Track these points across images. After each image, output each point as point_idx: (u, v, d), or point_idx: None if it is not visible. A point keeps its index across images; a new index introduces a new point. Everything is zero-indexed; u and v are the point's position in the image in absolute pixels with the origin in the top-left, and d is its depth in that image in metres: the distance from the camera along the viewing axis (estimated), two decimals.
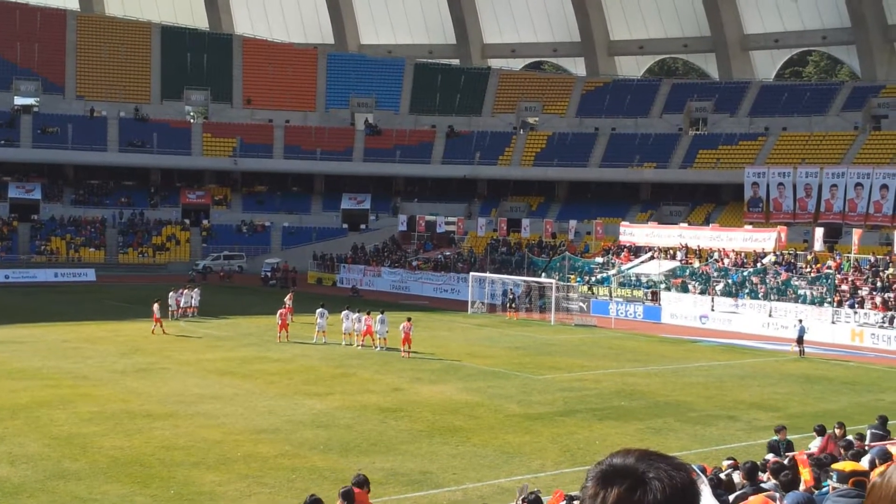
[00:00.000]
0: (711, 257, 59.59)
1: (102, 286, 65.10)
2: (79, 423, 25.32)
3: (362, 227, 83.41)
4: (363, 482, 14.12)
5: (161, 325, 43.55)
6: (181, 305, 49.30)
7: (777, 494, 11.61)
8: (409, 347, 39.12)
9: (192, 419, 26.18)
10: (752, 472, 12.40)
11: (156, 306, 43.99)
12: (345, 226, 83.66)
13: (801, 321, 44.66)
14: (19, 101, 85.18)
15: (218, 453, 22.54)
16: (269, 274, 71.11)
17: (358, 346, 40.83)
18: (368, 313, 41.36)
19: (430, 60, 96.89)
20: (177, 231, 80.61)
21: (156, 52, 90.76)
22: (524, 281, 59.58)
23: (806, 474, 11.84)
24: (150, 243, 78.74)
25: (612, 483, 2.34)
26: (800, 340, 42.11)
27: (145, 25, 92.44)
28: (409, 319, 40.06)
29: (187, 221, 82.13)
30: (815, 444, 17.01)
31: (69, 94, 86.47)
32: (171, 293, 49.39)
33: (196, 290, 51.46)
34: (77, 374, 32.84)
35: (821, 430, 17.97)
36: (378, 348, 40.35)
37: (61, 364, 34.97)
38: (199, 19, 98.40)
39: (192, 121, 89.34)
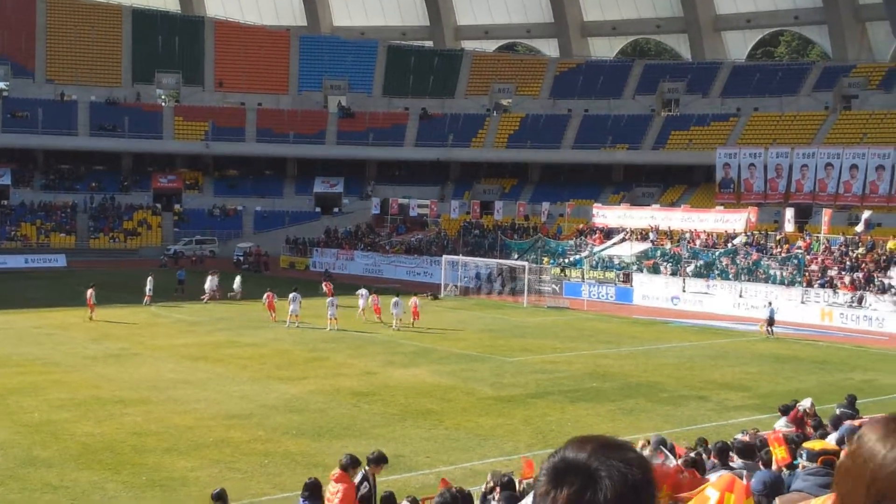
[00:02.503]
0: (683, 238, 59.90)
1: (73, 271, 64.66)
2: (49, 410, 25.19)
3: (335, 210, 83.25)
4: (348, 465, 13.45)
5: (92, 312, 42.71)
6: (209, 289, 50.78)
7: (744, 472, 11.74)
8: (417, 320, 42.63)
9: (164, 405, 26.12)
10: (722, 451, 12.51)
11: (90, 292, 43.18)
12: (318, 209, 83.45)
13: (770, 303, 44.99)
14: None
15: (190, 439, 22.50)
16: (241, 258, 70.88)
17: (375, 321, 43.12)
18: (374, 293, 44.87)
19: (403, 42, 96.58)
20: (148, 216, 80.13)
21: (126, 35, 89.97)
22: (497, 263, 59.69)
23: (781, 452, 11.95)
24: (121, 228, 78.25)
25: (563, 482, 2.25)
26: (770, 322, 42.46)
27: (116, 8, 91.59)
28: (416, 295, 45.21)
29: (159, 206, 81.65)
30: (780, 424, 17.15)
31: (39, 78, 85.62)
32: (208, 277, 51.31)
33: (216, 275, 52.49)
34: (48, 361, 32.66)
35: (785, 410, 18.11)
36: (395, 328, 41.70)
37: (32, 350, 34.76)
38: (170, 2, 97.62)
39: (163, 104, 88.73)
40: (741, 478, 10.07)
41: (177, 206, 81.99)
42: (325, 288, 48.31)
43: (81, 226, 77.75)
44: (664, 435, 22.76)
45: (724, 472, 10.71)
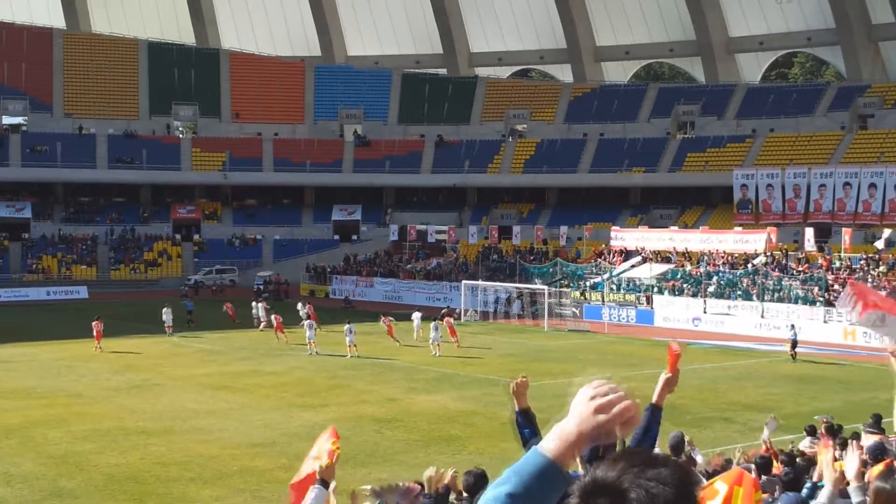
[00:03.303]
0: (703, 260, 59.74)
1: (95, 303, 64.93)
2: (74, 442, 25.28)
3: (354, 238, 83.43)
4: None
5: (99, 342, 43.29)
6: (261, 318, 51.03)
7: (752, 466, 11.76)
8: (458, 338, 43.93)
9: (188, 434, 26.16)
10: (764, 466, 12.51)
11: (96, 324, 43.66)
12: (336, 237, 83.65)
13: (792, 326, 44.14)
14: (7, 120, 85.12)
15: (214, 468, 22.53)
16: (261, 287, 71.04)
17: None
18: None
19: (417, 70, 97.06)
20: (168, 246, 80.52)
21: (143, 68, 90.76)
22: (516, 288, 59.66)
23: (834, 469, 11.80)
24: (141, 259, 78.64)
25: (592, 502, 2.24)
26: (794, 345, 41.83)
27: (132, 42, 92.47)
28: (450, 316, 46.67)
29: (178, 236, 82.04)
30: (805, 444, 17.03)
31: (57, 113, 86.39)
32: (259, 305, 52.31)
33: (263, 302, 53.56)
34: (71, 393, 32.79)
35: (811, 430, 17.98)
36: (435, 353, 41.36)
37: (55, 383, 34.90)
38: (185, 34, 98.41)
39: (180, 136, 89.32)
40: (749, 471, 9.94)
41: (196, 237, 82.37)
42: (307, 310, 48.79)
43: (102, 257, 78.18)
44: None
45: (734, 468, 10.64)
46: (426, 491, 7.77)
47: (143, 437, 25.74)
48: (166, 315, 48.77)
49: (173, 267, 78.80)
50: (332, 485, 6.84)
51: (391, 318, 46.34)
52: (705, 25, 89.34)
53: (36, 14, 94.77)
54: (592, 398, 2.48)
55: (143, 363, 39.84)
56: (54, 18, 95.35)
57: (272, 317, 47.21)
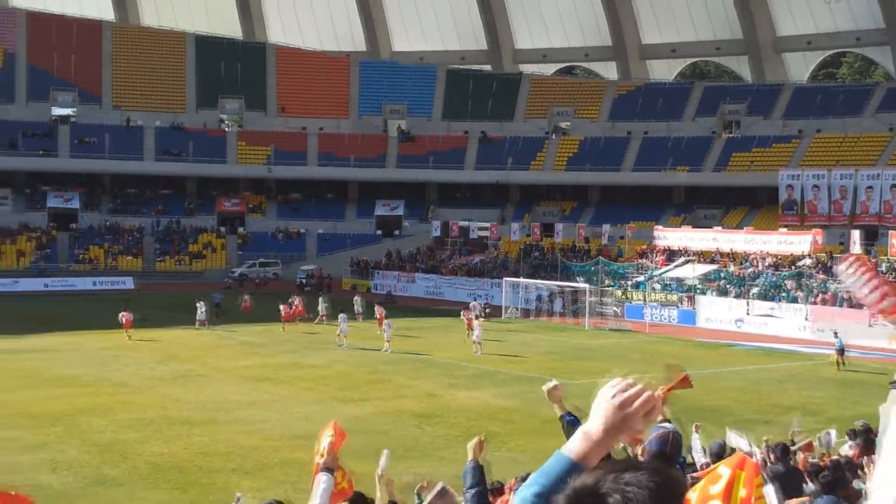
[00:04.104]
0: (746, 260, 59.27)
1: (140, 294, 65.72)
2: (118, 430, 25.65)
3: (396, 233, 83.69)
4: None
5: (128, 330, 44.60)
6: (321, 313, 51.82)
7: (757, 451, 11.77)
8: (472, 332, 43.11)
9: (230, 425, 26.45)
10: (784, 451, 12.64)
11: (124, 313, 45.01)
12: (379, 232, 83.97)
13: (836, 333, 43.03)
14: (57, 111, 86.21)
15: (256, 459, 22.77)
16: (304, 280, 71.51)
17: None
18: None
19: (461, 66, 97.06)
20: (213, 239, 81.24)
21: (190, 62, 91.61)
22: (558, 286, 59.54)
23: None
24: (186, 251, 79.41)
25: None
26: (841, 352, 40.95)
27: (180, 35, 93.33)
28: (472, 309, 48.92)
29: (223, 229, 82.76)
30: (846, 449, 16.88)
31: (106, 104, 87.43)
32: (355, 298, 53.67)
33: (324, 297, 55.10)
34: (116, 382, 33.26)
35: (853, 434, 17.79)
36: (478, 353, 40.86)
37: (100, 371, 35.42)
38: (232, 28, 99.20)
39: (226, 129, 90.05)
40: (752, 456, 9.89)
41: (240, 229, 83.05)
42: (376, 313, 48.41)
43: (148, 248, 79.06)
44: None
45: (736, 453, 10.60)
46: (470, 457, 7.85)
47: (186, 427, 26.05)
48: (200, 309, 49.08)
49: (217, 259, 79.51)
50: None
51: (478, 311, 48.40)
52: (753, 24, 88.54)
53: (86, 6, 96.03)
54: (613, 396, 2.56)
55: (186, 354, 40.30)
56: (104, 11, 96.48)
57: (295, 300, 50.48)
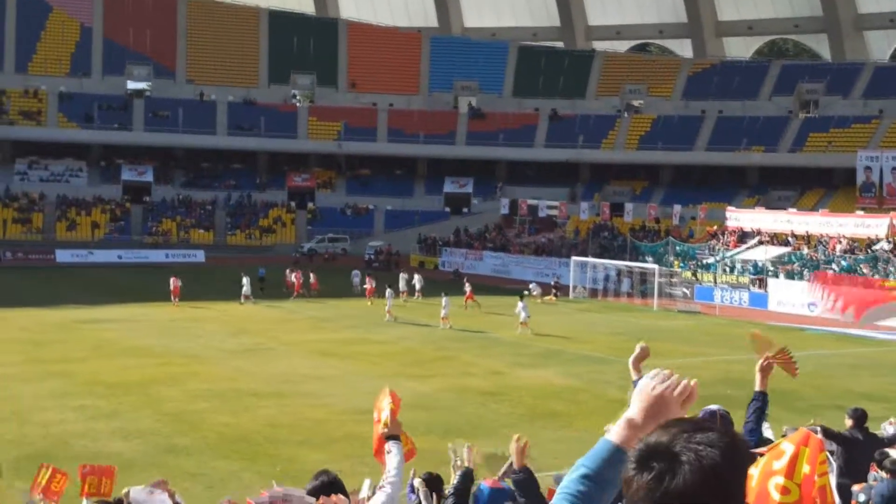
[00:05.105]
0: (821, 243, 58.12)
1: (211, 267, 66.60)
2: (189, 400, 26.04)
3: (464, 210, 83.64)
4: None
5: (176, 298, 46.54)
6: (417, 290, 52.43)
7: (818, 428, 11.64)
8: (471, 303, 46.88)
9: (297, 398, 26.69)
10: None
11: (174, 280, 47.05)
12: (447, 209, 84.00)
13: None
14: (132, 85, 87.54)
15: (322, 432, 22.93)
16: (372, 256, 71.87)
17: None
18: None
19: (533, 43, 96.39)
20: (283, 214, 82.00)
21: (263, 37, 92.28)
22: (627, 266, 59.02)
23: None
24: (257, 225, 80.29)
25: (645, 468, 2.33)
26: None
27: (253, 10, 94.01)
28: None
29: (293, 204, 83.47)
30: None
31: (180, 79, 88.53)
32: (401, 275, 53.48)
33: (417, 276, 54.90)
34: (187, 353, 33.76)
35: None
36: (519, 331, 40.65)
37: (171, 342, 36.00)
38: (305, 4, 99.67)
39: (298, 104, 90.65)
40: (815, 432, 9.69)
41: (310, 205, 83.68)
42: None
43: (219, 222, 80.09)
44: None
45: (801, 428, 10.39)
46: (515, 466, 7.80)
47: (254, 399, 26.36)
48: (246, 283, 48.97)
49: (287, 234, 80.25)
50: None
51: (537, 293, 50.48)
52: (833, 1, 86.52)
53: None
54: (653, 387, 2.69)
55: (255, 327, 40.77)
56: None
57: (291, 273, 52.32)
